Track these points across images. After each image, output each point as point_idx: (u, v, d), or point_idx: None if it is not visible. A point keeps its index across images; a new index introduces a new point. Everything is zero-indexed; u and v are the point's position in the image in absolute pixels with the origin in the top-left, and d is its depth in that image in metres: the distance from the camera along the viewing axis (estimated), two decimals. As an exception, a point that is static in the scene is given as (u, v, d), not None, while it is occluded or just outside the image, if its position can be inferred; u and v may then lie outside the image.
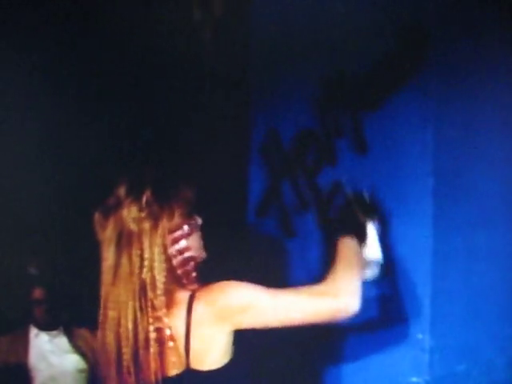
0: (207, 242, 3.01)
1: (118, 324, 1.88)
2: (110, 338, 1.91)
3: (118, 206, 1.91)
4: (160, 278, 1.88)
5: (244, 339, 2.00)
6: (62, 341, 3.93)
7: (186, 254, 1.98)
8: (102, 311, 1.93)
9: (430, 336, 2.56)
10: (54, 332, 3.98)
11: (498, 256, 2.85)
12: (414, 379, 2.56)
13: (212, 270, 2.82)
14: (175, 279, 1.97)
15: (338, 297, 1.97)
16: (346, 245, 2.19)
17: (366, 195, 2.51)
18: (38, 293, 3.99)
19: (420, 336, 2.57)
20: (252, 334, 2.02)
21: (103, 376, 1.94)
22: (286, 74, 2.97)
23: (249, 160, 3.10)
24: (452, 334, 2.65)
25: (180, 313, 1.91)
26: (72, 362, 3.88)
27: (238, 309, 1.89)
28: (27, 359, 3.91)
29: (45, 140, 3.67)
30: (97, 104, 3.65)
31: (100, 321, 1.93)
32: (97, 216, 1.94)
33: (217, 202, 3.24)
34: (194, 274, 2.01)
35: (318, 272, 2.76)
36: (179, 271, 1.97)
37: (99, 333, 1.93)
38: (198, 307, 1.90)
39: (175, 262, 1.96)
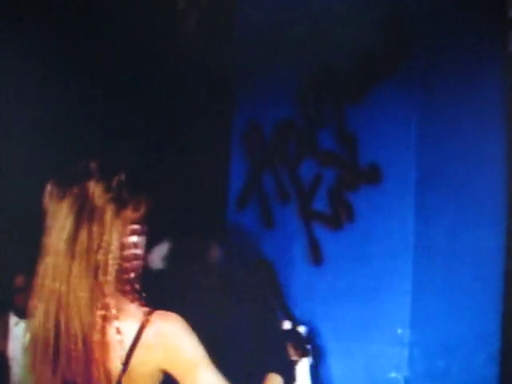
0: (188, 232, 3.04)
1: (69, 300, 1.74)
2: (50, 311, 1.75)
3: (86, 176, 1.80)
4: (113, 264, 1.77)
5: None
6: (42, 330, 3.85)
7: (135, 251, 1.87)
8: (45, 281, 1.76)
9: (410, 331, 2.55)
10: (34, 321, 3.91)
11: (480, 252, 2.82)
12: (393, 375, 2.56)
13: (191, 259, 2.84)
14: (123, 273, 1.84)
15: None
16: (273, 381, 2.17)
17: (301, 330, 2.50)
18: (19, 280, 3.92)
19: (400, 331, 2.55)
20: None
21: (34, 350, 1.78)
22: (269, 65, 2.96)
23: (230, 150, 3.10)
24: (432, 329, 2.63)
25: (130, 328, 1.79)
26: (51, 351, 3.81)
27: (186, 361, 1.81)
28: (6, 348, 3.85)
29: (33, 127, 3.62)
30: (82, 90, 3.60)
31: (37, 290, 1.76)
32: (51, 185, 1.81)
33: (197, 192, 3.21)
34: (137, 274, 1.88)
35: (297, 263, 2.83)
36: (127, 264, 1.84)
37: (33, 301, 1.77)
38: (149, 333, 1.77)
39: (126, 253, 1.83)
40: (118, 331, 1.76)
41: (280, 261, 2.89)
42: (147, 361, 1.79)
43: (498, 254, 2.92)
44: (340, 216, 2.74)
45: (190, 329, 1.81)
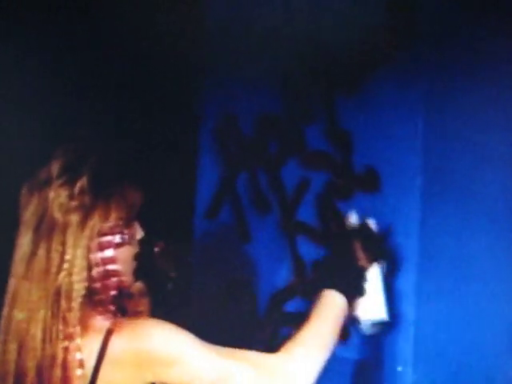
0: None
1: (26, 329, 1.70)
2: (13, 345, 1.71)
3: (47, 184, 1.74)
4: (78, 289, 1.70)
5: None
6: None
7: (110, 267, 1.77)
8: (6, 308, 1.74)
9: (412, 369, 2.34)
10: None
11: (494, 276, 2.57)
12: (394, 415, 2.35)
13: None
14: (92, 294, 1.77)
15: (286, 379, 1.78)
16: (326, 305, 1.91)
17: (372, 225, 2.14)
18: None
19: (400, 369, 2.35)
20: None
21: None
22: (247, 49, 2.75)
23: (199, 149, 2.91)
24: (437, 366, 2.41)
25: (93, 344, 1.71)
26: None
27: (163, 361, 1.70)
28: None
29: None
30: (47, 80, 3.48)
31: (3, 320, 1.75)
32: (24, 190, 1.78)
33: (159, 198, 3.04)
34: (113, 293, 1.79)
35: (280, 284, 2.63)
36: (97, 284, 1.76)
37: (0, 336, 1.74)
38: (115, 344, 1.69)
39: (95, 272, 1.75)
40: (81, 364, 1.69)
41: (258, 281, 2.71)
42: (118, 379, 1.70)
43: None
44: (330, 228, 2.52)
45: (168, 327, 1.75)
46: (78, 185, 1.73)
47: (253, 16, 2.75)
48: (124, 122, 3.33)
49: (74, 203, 1.71)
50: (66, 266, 1.69)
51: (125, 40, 3.38)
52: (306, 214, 2.60)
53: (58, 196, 1.71)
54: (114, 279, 1.78)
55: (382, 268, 2.06)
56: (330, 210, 2.53)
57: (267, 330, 2.59)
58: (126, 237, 1.80)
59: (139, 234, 1.84)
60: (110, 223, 1.76)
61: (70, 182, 1.73)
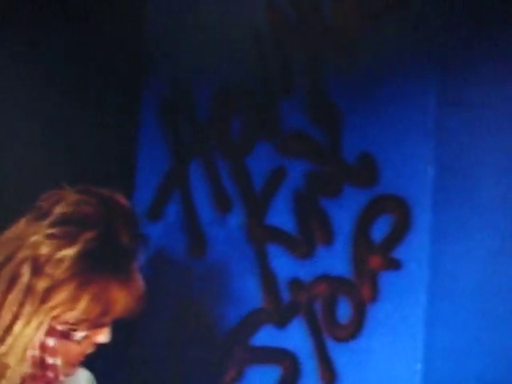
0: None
1: None
2: None
3: (39, 218, 1.51)
4: (13, 375, 1.51)
5: None
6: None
7: (49, 358, 1.55)
8: None
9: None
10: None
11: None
12: None
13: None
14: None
15: None
16: None
17: None
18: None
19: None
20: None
21: None
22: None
23: (139, 128, 2.68)
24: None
25: None
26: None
27: None
28: None
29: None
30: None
31: None
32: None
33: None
34: None
35: (246, 309, 2.44)
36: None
37: None
38: None
39: (29, 354, 1.55)
40: None
41: (216, 305, 2.51)
42: None
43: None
44: (312, 235, 2.36)
45: None
46: (65, 251, 1.46)
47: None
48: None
49: (47, 269, 1.47)
50: (9, 341, 1.49)
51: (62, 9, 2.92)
52: (281, 215, 2.44)
53: (38, 245, 1.47)
54: (49, 374, 1.55)
55: None
56: (312, 210, 2.38)
57: (230, 371, 2.35)
58: (80, 335, 1.51)
59: (104, 338, 1.53)
60: (71, 315, 1.48)
61: (61, 240, 1.46)
